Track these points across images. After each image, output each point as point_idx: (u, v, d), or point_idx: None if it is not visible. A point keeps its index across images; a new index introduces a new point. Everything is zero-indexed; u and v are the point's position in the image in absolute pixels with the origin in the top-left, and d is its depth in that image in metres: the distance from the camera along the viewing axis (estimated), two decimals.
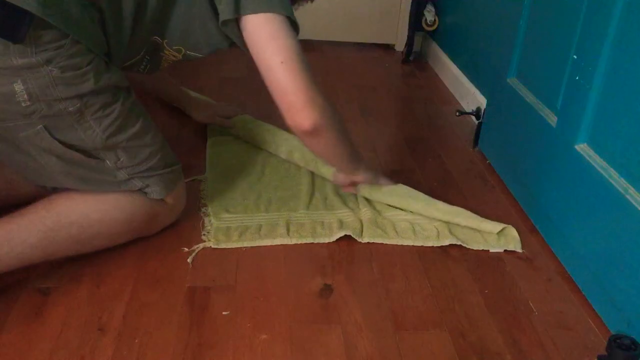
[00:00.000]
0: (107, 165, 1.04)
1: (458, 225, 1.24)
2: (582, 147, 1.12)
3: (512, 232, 1.23)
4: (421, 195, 1.29)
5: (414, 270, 1.13)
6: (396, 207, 1.28)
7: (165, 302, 1.01)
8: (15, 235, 0.98)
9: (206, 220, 1.22)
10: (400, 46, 2.38)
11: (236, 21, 1.03)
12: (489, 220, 1.24)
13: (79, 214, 1.03)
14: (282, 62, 1.00)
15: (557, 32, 1.23)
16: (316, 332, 0.97)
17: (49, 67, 0.91)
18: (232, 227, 1.20)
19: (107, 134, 1.01)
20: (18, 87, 0.91)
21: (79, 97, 0.96)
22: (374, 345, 0.96)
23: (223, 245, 1.15)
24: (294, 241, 1.18)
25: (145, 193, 1.10)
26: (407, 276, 1.12)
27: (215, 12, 1.05)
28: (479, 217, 1.25)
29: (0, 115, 0.95)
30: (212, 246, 1.15)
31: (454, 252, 1.19)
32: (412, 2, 2.24)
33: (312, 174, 1.40)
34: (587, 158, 1.10)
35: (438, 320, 1.02)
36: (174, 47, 1.12)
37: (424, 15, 2.24)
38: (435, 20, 2.23)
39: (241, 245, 1.16)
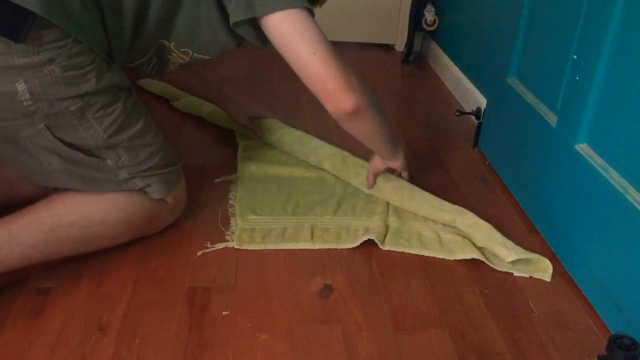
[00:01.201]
0: (108, 164, 1.04)
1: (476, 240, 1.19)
2: (582, 147, 1.12)
3: (544, 262, 1.15)
4: (446, 205, 1.26)
5: (414, 270, 1.13)
6: (416, 214, 1.28)
7: (165, 302, 1.01)
8: (16, 236, 0.98)
9: (232, 220, 1.22)
10: (400, 46, 2.38)
11: (249, 21, 1.03)
12: (509, 243, 1.16)
13: (79, 214, 1.03)
14: (314, 53, 1.01)
15: (557, 32, 1.23)
16: (316, 332, 0.97)
17: (51, 67, 0.91)
18: (256, 228, 1.20)
19: (108, 133, 1.01)
20: (20, 86, 0.91)
21: (81, 97, 0.96)
22: (374, 345, 0.96)
23: (245, 247, 1.15)
24: (317, 246, 1.17)
25: (146, 193, 1.10)
26: (407, 276, 1.12)
27: (223, 14, 1.05)
28: (499, 238, 1.17)
29: (1, 115, 0.95)
30: (235, 247, 1.15)
31: None
32: (412, 2, 2.24)
33: (345, 182, 1.38)
34: (587, 158, 1.10)
35: (438, 320, 1.02)
36: (182, 50, 1.11)
37: (424, 15, 2.24)
38: (435, 20, 2.23)
39: (264, 248, 1.16)
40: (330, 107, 1.06)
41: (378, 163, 1.30)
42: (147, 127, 1.08)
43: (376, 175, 1.32)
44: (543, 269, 1.14)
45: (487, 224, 1.20)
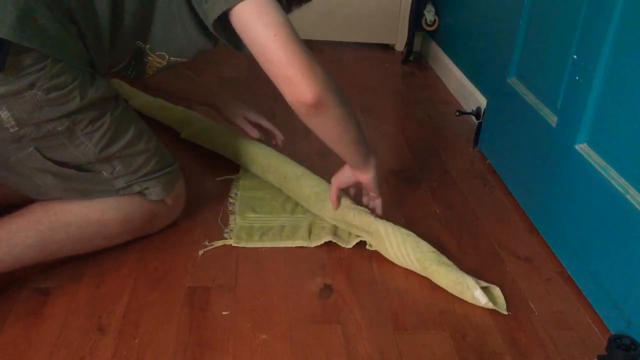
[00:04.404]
0: (103, 176, 1.04)
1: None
2: (582, 147, 1.13)
3: (496, 291, 1.07)
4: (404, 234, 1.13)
5: (414, 270, 1.13)
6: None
7: (165, 302, 1.01)
8: (14, 236, 0.98)
9: (231, 218, 1.23)
10: (400, 46, 2.38)
11: (222, 24, 0.99)
12: (460, 275, 1.07)
13: (77, 214, 1.03)
14: (275, 35, 0.93)
15: (557, 32, 1.23)
16: (316, 332, 0.97)
17: (33, 91, 0.90)
18: (255, 226, 1.21)
19: (99, 147, 1.00)
20: (4, 114, 0.90)
21: (67, 116, 0.95)
22: (374, 345, 0.96)
23: (243, 244, 1.16)
24: (313, 244, 1.17)
25: (144, 195, 1.10)
26: (407, 276, 1.12)
27: (195, 15, 1.03)
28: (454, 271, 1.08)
29: None
30: (233, 244, 1.15)
31: (454, 252, 1.19)
32: (412, 2, 2.24)
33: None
34: (587, 158, 1.10)
35: (438, 320, 1.02)
36: (157, 53, 1.10)
37: (424, 15, 2.24)
38: (435, 20, 2.23)
39: (262, 246, 1.16)
40: (289, 97, 0.96)
41: (345, 174, 1.16)
42: (139, 133, 1.07)
43: (341, 191, 1.18)
44: (499, 299, 1.06)
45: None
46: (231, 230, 1.19)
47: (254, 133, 1.44)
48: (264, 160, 1.37)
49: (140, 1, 1.01)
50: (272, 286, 1.07)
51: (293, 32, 0.96)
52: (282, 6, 0.97)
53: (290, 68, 0.94)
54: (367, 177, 1.16)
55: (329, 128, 1.04)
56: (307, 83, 0.94)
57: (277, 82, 0.96)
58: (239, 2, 0.93)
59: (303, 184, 1.28)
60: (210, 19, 0.98)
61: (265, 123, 1.44)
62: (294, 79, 0.94)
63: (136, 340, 0.93)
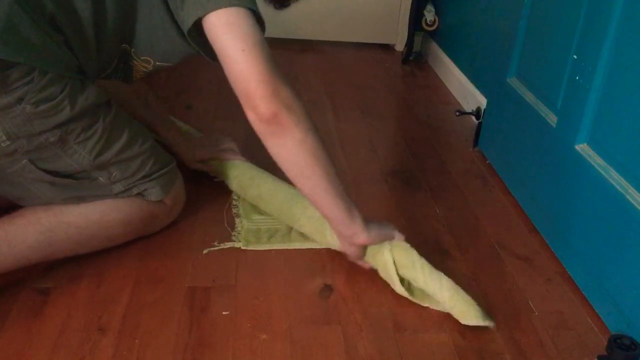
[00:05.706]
0: (100, 182, 1.04)
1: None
2: (582, 147, 1.13)
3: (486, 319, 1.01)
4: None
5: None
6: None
7: (165, 302, 1.01)
8: (14, 236, 0.98)
9: (237, 221, 1.22)
10: (400, 46, 2.38)
11: (198, 32, 0.97)
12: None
13: (76, 214, 1.03)
14: (243, 50, 0.91)
15: (557, 32, 1.23)
16: (316, 332, 0.97)
17: (22, 105, 0.89)
18: (262, 229, 1.20)
19: (94, 155, 1.00)
20: None
21: (58, 127, 0.94)
22: (374, 346, 0.95)
23: (252, 247, 1.15)
24: (324, 245, 1.15)
25: (143, 196, 1.10)
26: None
27: (176, 21, 1.02)
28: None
29: None
30: (242, 247, 1.15)
31: (454, 252, 1.19)
32: (412, 2, 2.24)
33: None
34: (587, 158, 1.10)
35: (438, 320, 1.02)
36: (142, 58, 1.09)
37: (424, 15, 2.24)
38: (435, 20, 2.23)
39: (270, 248, 1.16)
40: (248, 114, 0.92)
41: (345, 245, 1.08)
42: (133, 136, 1.06)
43: (361, 256, 1.09)
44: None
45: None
46: (239, 233, 1.18)
47: (215, 175, 1.36)
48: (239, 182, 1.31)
49: (122, 6, 1.00)
50: (272, 286, 1.07)
51: (262, 47, 0.93)
52: (258, 19, 0.95)
53: (252, 84, 0.91)
54: (364, 237, 1.04)
55: (290, 154, 0.96)
56: (264, 100, 0.90)
57: (238, 96, 0.93)
58: (211, 11, 0.92)
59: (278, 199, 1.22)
60: (184, 28, 0.97)
61: (221, 155, 1.35)
62: (252, 94, 0.91)
63: (136, 340, 0.93)
